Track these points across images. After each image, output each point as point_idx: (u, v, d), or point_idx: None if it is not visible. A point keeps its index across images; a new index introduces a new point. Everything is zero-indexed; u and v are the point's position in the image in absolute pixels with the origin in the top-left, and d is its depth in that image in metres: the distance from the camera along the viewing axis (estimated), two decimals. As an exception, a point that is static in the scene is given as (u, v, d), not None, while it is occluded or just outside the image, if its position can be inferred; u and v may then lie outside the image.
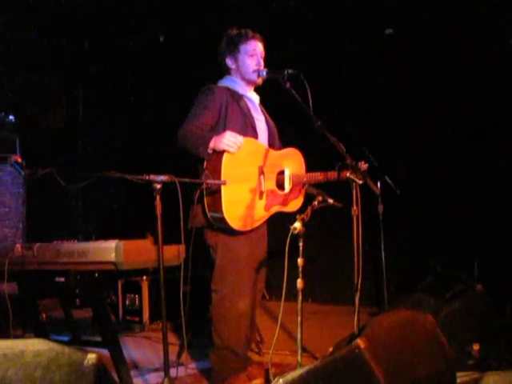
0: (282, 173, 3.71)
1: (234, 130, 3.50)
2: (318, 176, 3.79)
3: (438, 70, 5.67)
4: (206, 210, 3.43)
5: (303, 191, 3.84)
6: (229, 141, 3.37)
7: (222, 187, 3.35)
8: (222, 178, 3.35)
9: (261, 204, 3.56)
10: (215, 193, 3.38)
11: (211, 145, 3.40)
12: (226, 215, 3.36)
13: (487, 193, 5.38)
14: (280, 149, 3.82)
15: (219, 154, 3.39)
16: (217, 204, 3.38)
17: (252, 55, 3.69)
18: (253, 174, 3.53)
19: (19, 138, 5.87)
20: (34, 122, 6.86)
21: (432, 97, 5.71)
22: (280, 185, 3.69)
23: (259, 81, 3.73)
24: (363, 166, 3.67)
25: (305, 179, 3.77)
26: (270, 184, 3.61)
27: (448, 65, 5.61)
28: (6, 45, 6.44)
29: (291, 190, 3.74)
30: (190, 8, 6.22)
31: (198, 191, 3.43)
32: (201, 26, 6.35)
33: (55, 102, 7.48)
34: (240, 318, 3.54)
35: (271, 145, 3.79)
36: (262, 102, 3.93)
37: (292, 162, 3.79)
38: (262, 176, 3.55)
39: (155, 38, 6.87)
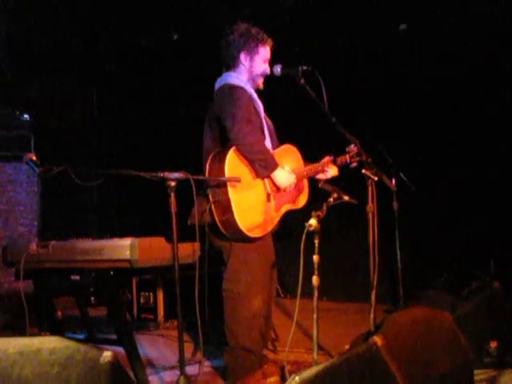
0: None
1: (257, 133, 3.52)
2: (317, 167, 3.80)
3: (453, 66, 5.63)
4: (217, 220, 3.41)
5: (307, 185, 3.83)
6: (290, 186, 3.54)
7: (231, 199, 3.33)
8: (228, 187, 3.35)
9: (271, 206, 3.54)
10: (225, 203, 3.35)
11: (274, 172, 3.48)
12: (241, 227, 3.35)
13: (503, 189, 5.35)
14: (276, 147, 3.80)
15: (221, 165, 3.37)
16: (229, 214, 3.35)
17: (266, 61, 3.68)
18: (255, 178, 3.50)
19: (34, 136, 5.91)
20: (48, 121, 6.88)
21: (448, 94, 5.68)
22: None
23: (262, 85, 3.73)
24: (353, 149, 3.65)
25: (305, 173, 3.76)
26: (273, 184, 3.58)
27: (464, 61, 5.57)
28: (20, 44, 6.46)
29: (296, 187, 3.71)
30: (203, 6, 6.22)
31: (209, 205, 3.41)
32: (215, 24, 6.34)
33: (70, 101, 7.51)
34: (254, 316, 3.53)
35: (272, 143, 3.77)
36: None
37: (290, 159, 3.76)
38: (265, 178, 3.53)
39: (169, 36, 6.87)
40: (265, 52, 3.69)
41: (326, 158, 3.84)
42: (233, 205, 3.34)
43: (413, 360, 2.50)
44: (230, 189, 3.34)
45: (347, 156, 3.73)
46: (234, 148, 3.41)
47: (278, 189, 3.59)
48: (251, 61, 3.67)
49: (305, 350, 4.20)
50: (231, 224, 3.37)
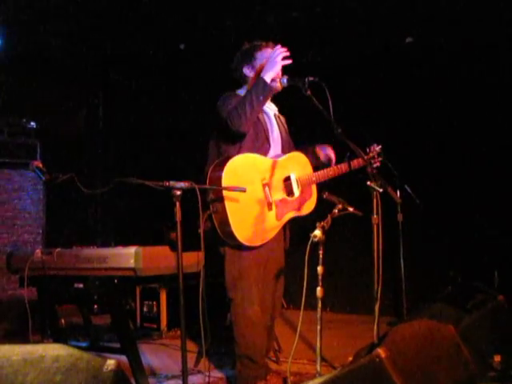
0: (287, 179, 3.70)
1: (248, 142, 3.55)
2: (328, 172, 3.79)
3: (459, 78, 5.63)
4: (218, 230, 3.42)
5: (315, 191, 3.82)
6: (277, 61, 3.46)
7: (227, 209, 3.35)
8: (224, 198, 3.35)
9: (271, 215, 3.54)
10: (222, 214, 3.37)
11: (267, 77, 3.45)
12: (239, 238, 3.38)
13: (507, 202, 5.34)
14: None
15: (219, 173, 3.38)
16: (226, 225, 3.37)
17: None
18: (255, 188, 3.50)
19: (40, 144, 5.93)
20: (54, 129, 6.90)
21: (455, 105, 5.67)
22: (289, 191, 3.67)
23: (278, 86, 3.71)
24: (376, 148, 3.63)
25: (313, 178, 3.76)
26: (278, 193, 3.59)
27: (470, 72, 5.57)
28: (27, 51, 6.50)
29: (302, 193, 3.71)
30: (210, 16, 6.24)
31: (206, 215, 3.43)
32: (221, 34, 6.36)
33: (76, 109, 7.53)
34: (252, 325, 3.54)
35: (283, 152, 3.78)
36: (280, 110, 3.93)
37: (296, 165, 3.76)
38: (266, 187, 3.53)
39: (176, 45, 6.89)
40: (263, 54, 3.71)
41: (341, 166, 3.84)
42: (229, 216, 3.35)
43: (416, 372, 2.49)
44: (226, 201, 3.36)
45: (368, 156, 3.70)
46: (233, 158, 3.44)
47: (282, 198, 3.59)
48: (254, 68, 3.71)
49: (308, 362, 4.20)
50: (230, 235, 3.39)
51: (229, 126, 3.44)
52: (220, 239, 3.52)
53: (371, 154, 3.81)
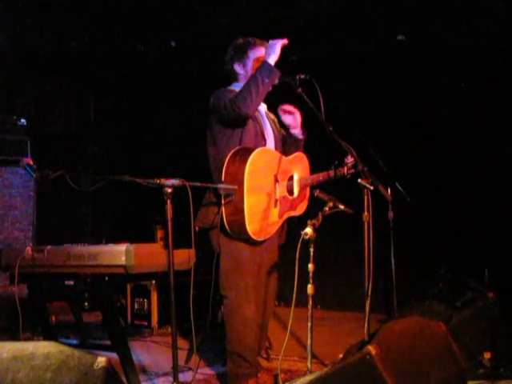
0: (291, 178, 3.73)
1: (248, 137, 3.55)
2: (320, 176, 3.82)
3: (450, 77, 5.65)
4: (224, 219, 3.42)
5: (308, 193, 3.86)
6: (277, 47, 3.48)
7: (246, 201, 3.35)
8: (245, 189, 3.35)
9: (275, 211, 3.56)
10: (237, 204, 3.37)
11: (271, 60, 3.45)
12: (249, 230, 3.38)
13: (498, 200, 5.36)
14: (288, 153, 3.82)
15: (242, 165, 3.39)
16: (239, 215, 3.37)
17: (261, 61, 3.68)
18: (270, 183, 3.54)
19: (30, 141, 5.90)
20: (45, 126, 6.87)
21: (445, 103, 5.69)
22: (290, 190, 3.70)
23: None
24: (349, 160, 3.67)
25: (309, 181, 3.81)
26: (282, 190, 3.62)
27: (461, 71, 5.59)
28: (18, 48, 6.47)
29: (299, 193, 3.75)
30: (201, 13, 6.23)
31: (216, 197, 3.45)
32: (212, 31, 6.36)
33: (67, 106, 7.51)
34: (246, 324, 3.53)
35: (277, 150, 3.80)
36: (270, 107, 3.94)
37: (299, 167, 3.83)
38: (277, 184, 3.55)
39: (167, 42, 6.88)
40: (255, 53, 3.72)
41: (330, 172, 3.86)
42: (245, 208, 3.35)
43: (406, 369, 2.50)
44: (246, 191, 3.36)
45: (345, 168, 3.74)
46: (255, 151, 3.44)
47: (284, 196, 3.62)
48: (245, 66, 3.72)
49: (298, 359, 4.21)
50: (239, 225, 3.39)
51: (234, 110, 3.42)
52: (221, 233, 3.52)
53: (350, 165, 3.78)
